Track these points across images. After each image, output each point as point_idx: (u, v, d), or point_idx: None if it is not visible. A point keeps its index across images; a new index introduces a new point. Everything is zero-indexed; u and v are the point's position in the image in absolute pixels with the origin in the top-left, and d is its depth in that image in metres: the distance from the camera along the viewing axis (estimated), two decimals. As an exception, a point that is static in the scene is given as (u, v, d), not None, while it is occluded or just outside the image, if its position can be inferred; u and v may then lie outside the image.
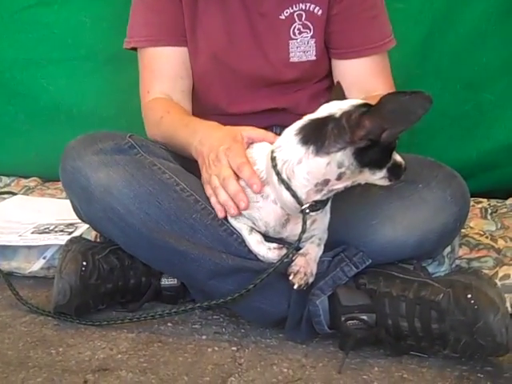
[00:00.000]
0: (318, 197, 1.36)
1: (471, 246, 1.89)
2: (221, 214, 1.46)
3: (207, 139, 1.52)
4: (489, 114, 2.38)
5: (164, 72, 1.79)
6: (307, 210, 1.36)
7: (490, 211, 2.24)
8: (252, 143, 1.50)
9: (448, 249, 1.67)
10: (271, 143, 1.45)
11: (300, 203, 1.35)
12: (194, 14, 1.76)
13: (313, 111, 1.81)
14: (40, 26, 2.52)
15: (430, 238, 1.52)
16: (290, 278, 1.41)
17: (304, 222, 1.37)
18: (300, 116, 1.78)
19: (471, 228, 2.03)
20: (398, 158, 1.38)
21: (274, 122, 1.76)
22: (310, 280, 1.42)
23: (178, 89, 1.79)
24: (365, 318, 1.40)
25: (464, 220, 1.63)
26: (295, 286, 1.41)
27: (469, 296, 1.32)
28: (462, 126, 2.40)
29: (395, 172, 1.37)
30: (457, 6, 2.31)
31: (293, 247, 1.39)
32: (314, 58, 1.76)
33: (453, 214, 1.55)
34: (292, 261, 1.42)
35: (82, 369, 1.36)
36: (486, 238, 1.94)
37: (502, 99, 2.36)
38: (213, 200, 1.48)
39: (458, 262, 1.78)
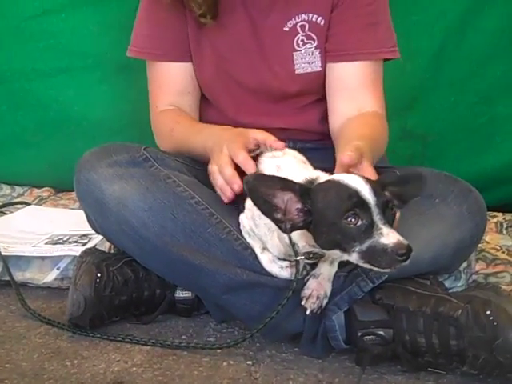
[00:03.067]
0: (312, 250, 1.33)
1: (488, 260, 1.88)
2: (224, 198, 1.51)
3: (220, 139, 1.55)
4: (503, 127, 2.37)
5: (171, 88, 1.82)
6: (300, 260, 1.35)
7: (505, 226, 2.24)
8: (262, 152, 1.51)
9: (464, 264, 1.66)
10: (270, 146, 1.48)
11: (296, 252, 1.34)
12: (200, 28, 1.77)
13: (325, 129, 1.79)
14: (47, 35, 2.51)
15: (446, 253, 1.52)
16: (303, 303, 1.40)
17: (297, 271, 1.35)
18: (314, 133, 1.79)
19: (487, 243, 2.02)
20: (383, 240, 1.19)
21: (288, 136, 1.76)
22: (324, 302, 1.41)
23: (185, 103, 1.83)
24: (382, 333, 1.39)
25: (481, 235, 1.62)
26: (308, 312, 1.40)
27: (488, 312, 1.31)
28: (475, 139, 2.39)
29: (374, 258, 1.20)
30: (471, 18, 2.30)
31: (292, 287, 1.36)
32: (319, 68, 1.75)
33: (469, 230, 1.54)
34: (304, 283, 1.41)
35: (97, 381, 1.36)
36: (503, 252, 1.94)
37: (516, 113, 2.36)
38: (214, 183, 1.53)
39: (474, 277, 1.77)
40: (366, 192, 1.20)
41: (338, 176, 1.27)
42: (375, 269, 1.22)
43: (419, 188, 1.31)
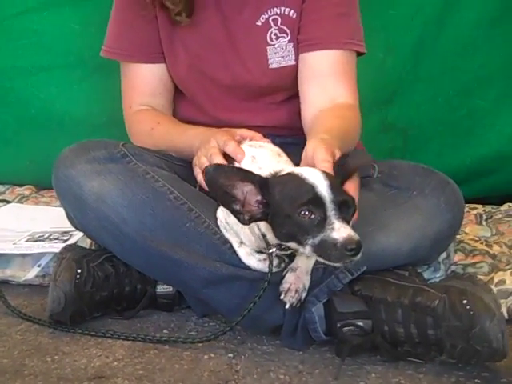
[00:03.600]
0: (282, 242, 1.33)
1: (466, 251, 1.89)
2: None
3: (208, 137, 1.55)
4: (482, 120, 2.39)
5: (143, 88, 1.83)
6: (272, 251, 1.35)
7: (484, 217, 2.25)
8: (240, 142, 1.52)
9: (443, 255, 1.68)
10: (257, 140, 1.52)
11: (267, 243, 1.34)
12: (172, 27, 1.77)
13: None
14: (29, 33, 2.52)
15: (425, 245, 1.53)
16: (281, 297, 1.41)
17: (270, 262, 1.36)
18: (292, 129, 1.79)
19: (466, 234, 2.04)
20: (334, 234, 1.19)
21: (267, 132, 1.76)
22: (303, 295, 1.42)
23: (157, 103, 1.84)
24: (361, 324, 1.40)
25: (458, 226, 1.63)
26: (287, 306, 1.41)
27: (464, 302, 1.32)
28: (455, 132, 2.41)
29: (325, 251, 1.20)
30: (448, 12, 2.32)
31: (267, 279, 1.36)
32: (293, 62, 1.74)
33: (447, 221, 1.55)
34: (283, 277, 1.42)
35: (77, 377, 1.36)
36: (481, 243, 1.95)
37: (494, 105, 2.38)
38: (199, 177, 1.51)
39: (453, 267, 1.78)
40: (323, 187, 1.21)
41: (299, 169, 1.28)
42: (327, 262, 1.22)
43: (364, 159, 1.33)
